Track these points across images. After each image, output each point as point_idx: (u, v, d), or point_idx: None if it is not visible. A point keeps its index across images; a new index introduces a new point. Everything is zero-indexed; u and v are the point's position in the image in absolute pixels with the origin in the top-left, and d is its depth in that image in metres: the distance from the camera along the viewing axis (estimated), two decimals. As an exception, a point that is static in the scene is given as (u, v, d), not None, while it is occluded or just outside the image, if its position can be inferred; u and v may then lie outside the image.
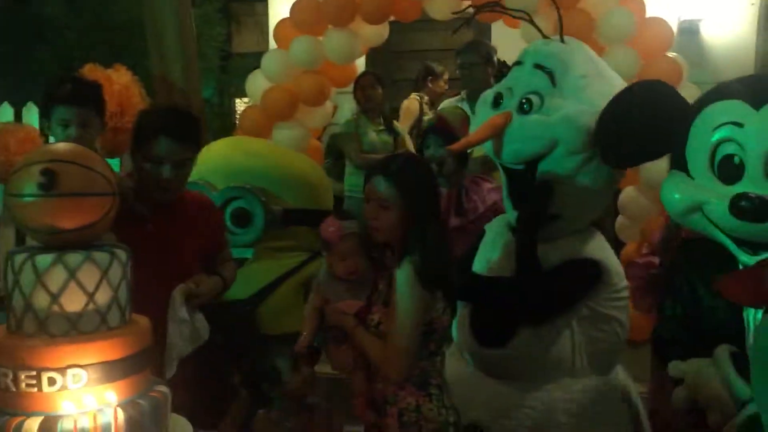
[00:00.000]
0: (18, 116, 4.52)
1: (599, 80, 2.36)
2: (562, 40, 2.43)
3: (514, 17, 2.68)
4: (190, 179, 3.15)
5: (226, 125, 7.31)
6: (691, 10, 5.32)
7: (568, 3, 3.97)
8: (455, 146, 2.51)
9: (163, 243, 2.37)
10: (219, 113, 6.92)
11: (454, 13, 3.49)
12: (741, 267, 1.88)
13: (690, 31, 5.30)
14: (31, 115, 4.51)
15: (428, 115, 4.93)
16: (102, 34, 5.68)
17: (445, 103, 4.33)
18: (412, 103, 5.13)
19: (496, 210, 3.03)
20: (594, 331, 2.35)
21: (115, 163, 4.27)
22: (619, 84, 2.39)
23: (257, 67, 6.71)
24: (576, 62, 2.34)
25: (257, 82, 4.50)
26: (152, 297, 2.04)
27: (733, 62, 5.14)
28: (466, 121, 3.40)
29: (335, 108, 4.96)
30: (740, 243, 1.85)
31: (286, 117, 4.38)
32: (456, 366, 2.37)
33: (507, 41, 4.15)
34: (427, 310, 2.05)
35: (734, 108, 1.87)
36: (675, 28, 4.78)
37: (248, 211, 3.07)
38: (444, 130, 3.25)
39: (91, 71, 4.10)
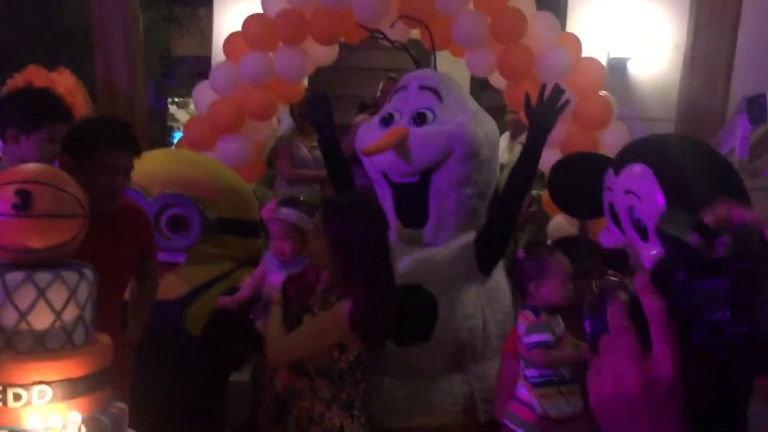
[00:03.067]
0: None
1: (472, 100, 2.75)
2: (435, 69, 2.83)
3: (395, 47, 2.94)
4: None
5: (160, 129, 7.26)
6: (619, 49, 5.64)
7: (511, 37, 4.18)
8: (366, 149, 2.62)
9: (102, 254, 2.35)
10: (155, 117, 6.86)
11: (370, 31, 3.71)
12: None
13: (618, 68, 5.61)
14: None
15: None
16: (42, 34, 5.56)
17: None
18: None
19: None
20: (498, 312, 2.53)
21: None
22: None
23: (197, 71, 6.72)
24: (452, 84, 2.74)
25: (204, 94, 4.52)
26: None
27: (657, 100, 5.49)
28: None
29: (278, 122, 5.03)
30: None
31: (232, 130, 4.41)
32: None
33: (447, 69, 4.32)
34: (341, 342, 2.17)
35: (609, 175, 2.20)
36: (604, 65, 5.06)
37: (184, 218, 3.16)
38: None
39: (33, 73, 4.06)
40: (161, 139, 7.09)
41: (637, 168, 2.22)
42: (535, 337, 2.04)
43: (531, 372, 2.06)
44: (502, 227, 2.48)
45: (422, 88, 2.61)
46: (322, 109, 2.80)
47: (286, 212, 2.64)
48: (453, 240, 2.54)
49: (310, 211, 2.66)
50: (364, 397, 2.34)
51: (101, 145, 2.36)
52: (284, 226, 2.62)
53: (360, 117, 4.82)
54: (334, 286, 2.27)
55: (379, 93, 4.80)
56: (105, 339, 1.82)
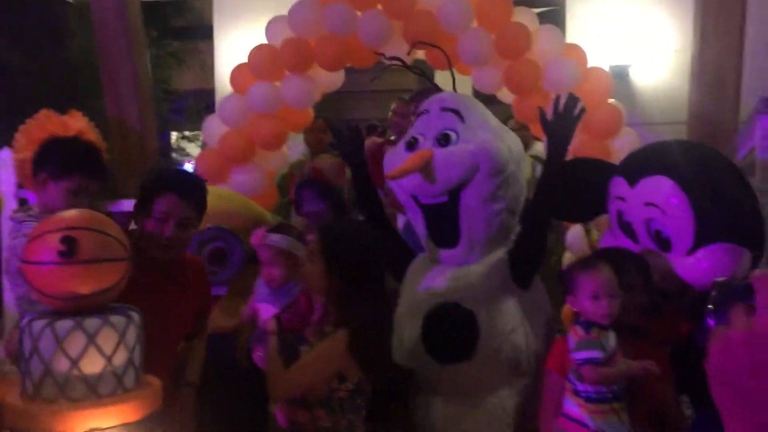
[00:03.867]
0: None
1: (492, 117, 2.71)
2: (455, 90, 2.86)
3: (414, 72, 2.98)
4: None
5: (166, 163, 7.30)
6: (620, 56, 5.68)
7: (516, 53, 4.20)
8: (392, 173, 2.61)
9: (156, 304, 2.25)
10: (161, 152, 6.90)
11: (386, 58, 3.76)
12: None
13: (620, 75, 5.64)
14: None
15: None
16: (53, 76, 5.60)
17: None
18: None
19: None
20: (539, 326, 2.52)
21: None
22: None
23: (198, 104, 6.75)
24: (472, 103, 2.71)
25: (213, 127, 4.53)
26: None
27: (660, 105, 5.53)
28: (342, 169, 3.47)
29: (288, 149, 5.04)
30: None
31: (244, 161, 4.42)
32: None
33: (448, 87, 4.34)
34: (340, 372, 2.15)
35: (619, 184, 2.33)
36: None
37: (224, 251, 3.22)
38: (320, 182, 3.24)
39: (47, 117, 4.06)
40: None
41: (660, 181, 2.25)
42: (584, 354, 2.02)
43: (584, 387, 2.04)
44: (533, 240, 2.48)
45: (444, 110, 2.62)
46: (354, 142, 2.82)
47: (275, 238, 2.66)
48: (487, 256, 2.54)
49: (300, 236, 2.66)
50: (414, 416, 2.32)
51: (153, 192, 2.35)
52: (274, 252, 2.65)
53: (369, 140, 4.82)
54: (328, 314, 2.26)
55: (390, 114, 4.82)
56: (154, 381, 1.81)
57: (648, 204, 2.27)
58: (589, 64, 4.44)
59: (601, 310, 2.05)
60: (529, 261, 2.49)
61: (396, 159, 2.60)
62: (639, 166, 2.39)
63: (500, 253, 2.52)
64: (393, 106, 4.94)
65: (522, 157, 2.64)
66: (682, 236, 2.20)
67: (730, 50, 3.95)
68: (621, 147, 4.15)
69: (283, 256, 2.65)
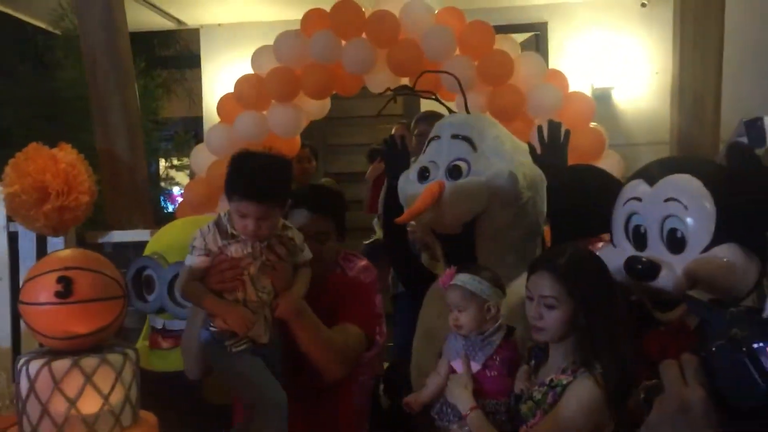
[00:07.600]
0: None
1: (508, 137, 2.59)
2: (468, 112, 2.71)
3: (423, 98, 2.96)
4: (144, 253, 3.18)
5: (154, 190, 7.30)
6: (602, 79, 5.79)
7: (499, 79, 4.28)
8: (401, 219, 2.56)
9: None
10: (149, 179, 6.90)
11: (390, 90, 3.70)
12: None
13: (603, 97, 5.74)
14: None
15: None
16: (41, 109, 5.62)
17: None
18: None
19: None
20: None
21: (59, 242, 4.22)
22: (518, 140, 2.62)
23: (186, 131, 6.79)
24: (486, 126, 2.56)
25: (201, 156, 4.57)
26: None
27: (645, 126, 5.63)
28: None
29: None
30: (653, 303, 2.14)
31: (232, 189, 4.46)
32: None
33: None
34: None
35: (635, 186, 2.25)
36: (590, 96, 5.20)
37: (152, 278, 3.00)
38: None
39: (35, 150, 4.07)
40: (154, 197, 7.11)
41: (685, 178, 2.20)
42: None
43: None
44: None
45: (454, 137, 2.50)
46: (403, 160, 2.76)
47: (463, 278, 2.25)
48: (512, 282, 2.46)
49: (496, 279, 2.25)
50: None
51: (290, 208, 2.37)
52: (461, 295, 2.23)
53: (376, 167, 4.92)
54: (564, 360, 1.97)
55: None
56: (151, 417, 1.83)
57: (669, 200, 2.19)
58: (573, 87, 4.53)
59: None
60: None
61: (409, 189, 2.55)
62: (661, 166, 2.31)
63: (521, 279, 2.43)
64: (393, 130, 4.98)
65: (540, 180, 2.54)
66: (701, 233, 2.11)
67: (709, 73, 4.04)
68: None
69: (473, 300, 2.20)
